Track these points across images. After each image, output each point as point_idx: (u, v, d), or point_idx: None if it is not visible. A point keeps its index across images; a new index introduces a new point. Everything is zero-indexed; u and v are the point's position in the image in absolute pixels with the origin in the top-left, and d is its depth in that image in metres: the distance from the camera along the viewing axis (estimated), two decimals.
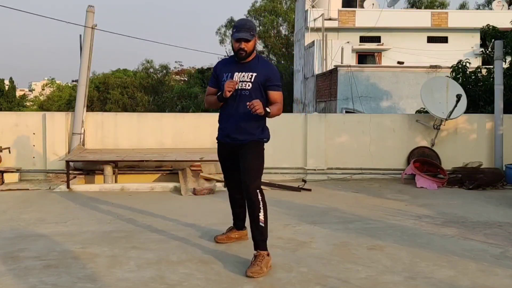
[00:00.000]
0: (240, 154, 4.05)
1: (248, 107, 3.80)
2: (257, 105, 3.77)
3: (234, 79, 3.99)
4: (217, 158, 7.92)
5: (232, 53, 4.10)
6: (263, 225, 3.88)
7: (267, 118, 4.08)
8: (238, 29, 3.93)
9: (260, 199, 3.89)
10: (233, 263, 3.96)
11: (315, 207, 6.22)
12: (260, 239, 3.87)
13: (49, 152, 8.19)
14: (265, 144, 4.17)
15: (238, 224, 4.55)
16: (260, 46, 37.02)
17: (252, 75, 3.99)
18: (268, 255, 3.85)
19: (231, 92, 3.92)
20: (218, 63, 4.31)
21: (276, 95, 4.05)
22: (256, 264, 3.73)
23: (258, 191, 3.91)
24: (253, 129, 4.04)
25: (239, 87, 3.98)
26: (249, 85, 3.98)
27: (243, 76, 3.99)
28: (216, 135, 4.25)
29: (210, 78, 4.29)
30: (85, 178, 8.07)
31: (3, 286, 3.50)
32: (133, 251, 4.28)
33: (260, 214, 3.86)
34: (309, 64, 22.04)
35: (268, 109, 3.91)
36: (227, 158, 4.26)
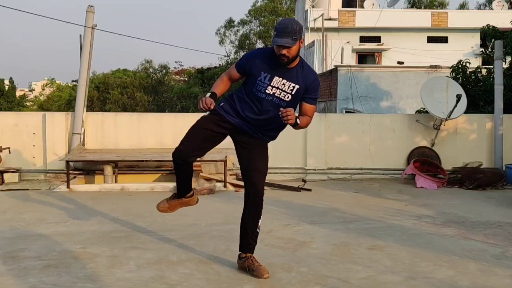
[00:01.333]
0: (248, 149, 3.76)
1: (280, 113, 3.42)
2: (290, 114, 3.40)
3: (272, 83, 3.55)
4: (216, 158, 7.93)
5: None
6: (259, 230, 3.84)
7: None
8: (278, 33, 3.43)
9: (262, 206, 3.81)
10: (233, 263, 3.96)
11: (315, 207, 6.22)
12: (254, 244, 3.83)
13: (49, 152, 8.19)
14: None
15: (187, 191, 4.08)
16: (260, 46, 37.06)
17: (293, 87, 3.57)
18: None
19: (202, 110, 3.49)
20: (256, 52, 3.76)
21: (310, 108, 3.68)
22: (261, 265, 3.73)
23: (263, 196, 3.80)
24: (272, 133, 3.80)
25: (276, 94, 3.57)
26: (288, 97, 3.58)
27: (283, 84, 3.56)
28: (215, 105, 3.63)
29: (239, 61, 3.74)
30: (85, 178, 8.07)
31: (3, 286, 3.50)
32: (133, 251, 4.28)
33: (259, 219, 3.81)
34: (309, 64, 22.01)
35: (298, 121, 3.54)
36: (213, 131, 3.73)
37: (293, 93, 3.57)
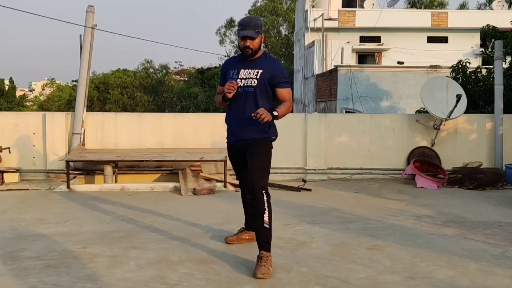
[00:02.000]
0: (248, 154, 4.01)
1: (253, 117, 3.73)
2: (262, 113, 3.71)
3: (240, 75, 3.98)
4: (216, 158, 7.99)
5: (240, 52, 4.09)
6: (267, 226, 3.86)
7: None
8: (243, 27, 3.91)
9: (265, 200, 3.86)
10: (233, 263, 3.96)
11: (315, 207, 6.22)
12: (263, 241, 3.85)
13: (49, 152, 8.19)
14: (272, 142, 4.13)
15: (249, 225, 4.46)
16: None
17: (257, 72, 3.96)
18: (270, 255, 3.84)
19: (232, 93, 3.90)
20: (226, 61, 4.30)
21: (284, 92, 4.01)
22: (263, 265, 3.72)
23: (263, 191, 3.87)
24: (259, 127, 3.96)
25: (245, 84, 3.97)
26: (254, 82, 3.96)
27: (249, 72, 3.98)
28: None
29: (220, 78, 4.27)
30: (85, 178, 8.07)
31: (3, 286, 3.50)
32: (133, 251, 4.28)
33: (264, 215, 3.84)
34: (309, 64, 22.04)
35: (275, 113, 3.85)
36: (237, 158, 4.24)
37: (258, 77, 3.95)
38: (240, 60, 4.06)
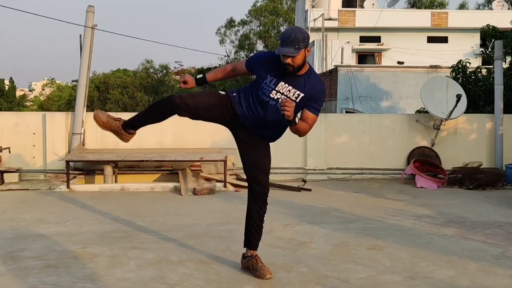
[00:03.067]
0: (251, 147, 3.75)
1: (279, 101, 3.39)
2: (289, 106, 3.31)
3: (277, 88, 3.53)
4: (216, 158, 7.90)
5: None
6: (263, 225, 3.85)
7: None
8: (281, 43, 3.44)
9: (267, 201, 3.83)
10: (233, 263, 3.96)
11: (315, 207, 6.22)
12: (259, 239, 3.84)
13: (49, 152, 8.19)
14: None
15: (134, 128, 4.12)
16: (260, 46, 37.08)
17: (299, 95, 3.53)
18: None
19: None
20: (267, 56, 3.71)
21: (310, 117, 3.57)
22: (265, 265, 3.72)
23: (268, 193, 3.81)
24: (269, 136, 3.77)
25: (279, 98, 3.52)
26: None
27: (289, 91, 3.53)
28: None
29: (250, 57, 3.81)
30: (85, 178, 8.07)
31: (3, 286, 3.50)
32: (133, 251, 4.28)
33: (264, 216, 3.82)
34: (309, 63, 22.02)
35: (297, 120, 3.47)
36: (220, 103, 3.66)
37: (297, 100, 3.51)
38: (282, 67, 3.51)
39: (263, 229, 3.86)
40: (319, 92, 3.58)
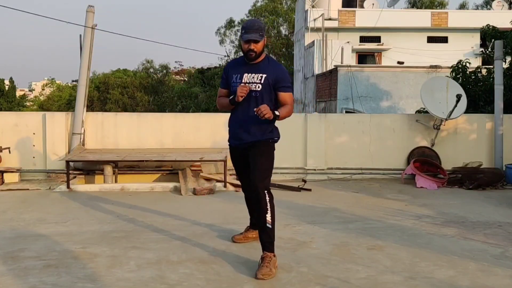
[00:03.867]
0: (250, 155, 4.04)
1: (255, 113, 3.80)
2: (264, 110, 3.75)
3: (243, 80, 3.98)
4: (216, 158, 7.96)
5: (242, 54, 4.09)
6: (270, 226, 3.84)
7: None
8: (246, 30, 3.90)
9: (267, 200, 3.85)
10: (233, 263, 3.96)
11: (315, 207, 6.22)
12: (267, 241, 3.84)
13: (49, 152, 8.19)
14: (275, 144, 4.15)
15: (254, 224, 4.44)
16: None
17: (262, 76, 3.96)
18: (274, 256, 3.83)
19: (243, 97, 3.90)
20: (227, 64, 4.29)
21: (286, 96, 4.02)
22: (265, 266, 3.71)
23: (266, 191, 3.87)
24: (262, 130, 4.02)
25: (250, 88, 3.96)
26: (258, 87, 3.97)
27: (253, 77, 3.98)
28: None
29: (221, 80, 4.28)
30: (85, 178, 8.07)
31: (3, 286, 3.50)
32: (133, 251, 4.28)
33: (267, 215, 3.82)
34: (309, 64, 22.04)
35: (277, 112, 3.89)
36: (240, 160, 4.23)
37: (262, 81, 3.95)
38: (243, 64, 4.05)
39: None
40: (281, 71, 4.04)
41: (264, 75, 3.96)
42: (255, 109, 3.80)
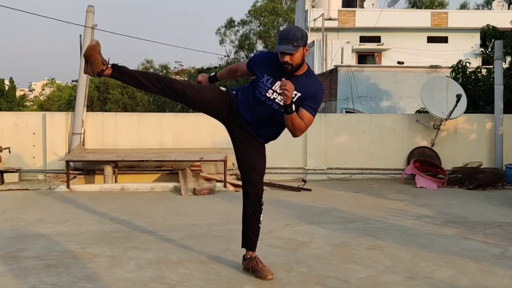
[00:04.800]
0: (246, 146, 3.72)
1: (280, 84, 3.33)
2: (289, 87, 3.27)
3: (274, 86, 3.49)
4: (216, 158, 7.89)
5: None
6: (260, 225, 3.82)
7: None
8: (280, 40, 3.42)
9: (263, 202, 3.78)
10: (233, 263, 3.96)
11: (315, 207, 6.22)
12: (256, 240, 3.81)
13: (49, 152, 8.19)
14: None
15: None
16: (260, 46, 37.06)
17: (295, 95, 3.44)
18: None
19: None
20: (266, 56, 3.71)
21: (306, 115, 3.46)
22: (265, 266, 3.71)
23: (262, 194, 3.79)
24: (264, 136, 3.73)
25: (275, 99, 3.50)
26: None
27: None
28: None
29: (251, 58, 3.81)
30: (85, 178, 8.07)
31: (3, 286, 3.50)
32: (133, 251, 4.28)
33: (261, 215, 3.79)
34: (309, 64, 21.96)
35: (294, 107, 3.37)
36: (220, 97, 3.66)
37: (294, 100, 3.41)
38: (280, 67, 3.48)
39: (263, 229, 3.85)
40: (317, 91, 3.51)
41: (299, 95, 3.45)
42: (283, 80, 3.33)
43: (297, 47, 3.38)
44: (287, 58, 3.40)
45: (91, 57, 3.50)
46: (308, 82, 3.51)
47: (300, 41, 3.40)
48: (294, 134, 3.52)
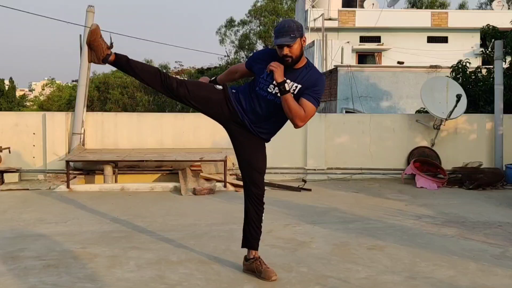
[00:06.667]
0: (246, 144, 3.71)
1: (267, 68, 3.40)
2: (275, 63, 3.35)
3: (274, 82, 3.45)
4: (216, 158, 7.91)
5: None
6: (262, 224, 3.83)
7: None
8: (277, 34, 3.42)
9: (263, 201, 3.80)
10: (233, 263, 3.96)
11: (315, 207, 6.22)
12: (259, 239, 3.80)
13: (49, 152, 8.19)
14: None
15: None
16: (260, 46, 37.06)
17: (296, 87, 3.46)
18: None
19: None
20: (265, 52, 3.75)
21: (305, 103, 3.43)
22: (268, 267, 3.70)
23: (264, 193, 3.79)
24: (266, 132, 3.70)
25: (276, 94, 3.47)
26: None
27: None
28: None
29: (249, 57, 3.79)
30: (85, 178, 8.07)
31: (3, 286, 3.50)
32: (133, 251, 4.28)
33: (263, 214, 3.80)
34: None
35: (287, 86, 3.39)
36: (216, 97, 3.62)
37: (295, 93, 3.45)
38: (281, 61, 3.47)
39: (263, 229, 3.84)
40: (317, 81, 3.49)
41: (299, 86, 3.46)
42: (271, 64, 3.39)
43: (294, 38, 3.39)
44: (286, 51, 3.40)
45: (95, 42, 3.48)
46: (308, 74, 3.51)
47: (297, 32, 3.41)
48: (294, 122, 3.49)
